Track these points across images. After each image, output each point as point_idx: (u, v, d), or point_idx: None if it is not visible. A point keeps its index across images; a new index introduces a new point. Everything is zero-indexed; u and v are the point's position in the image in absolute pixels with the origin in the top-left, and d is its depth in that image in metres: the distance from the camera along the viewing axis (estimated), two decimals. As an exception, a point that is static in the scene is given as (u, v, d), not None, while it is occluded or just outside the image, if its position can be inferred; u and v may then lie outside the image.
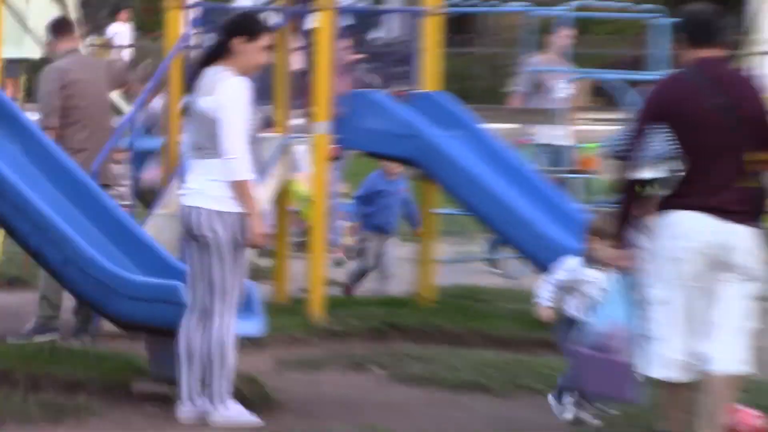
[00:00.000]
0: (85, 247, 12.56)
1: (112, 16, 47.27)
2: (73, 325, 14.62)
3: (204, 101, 11.63)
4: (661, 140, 10.36)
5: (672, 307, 10.39)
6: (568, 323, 11.77)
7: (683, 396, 10.55)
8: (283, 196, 16.35)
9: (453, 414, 12.39)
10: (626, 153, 10.60)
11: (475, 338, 15.19)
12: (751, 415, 11.40)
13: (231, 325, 11.74)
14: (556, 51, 21.65)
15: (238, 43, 11.77)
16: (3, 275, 15.55)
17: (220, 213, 11.55)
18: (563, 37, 21.64)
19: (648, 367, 10.53)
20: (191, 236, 11.70)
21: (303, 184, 17.24)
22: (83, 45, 18.61)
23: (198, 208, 11.59)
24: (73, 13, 18.81)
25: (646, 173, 10.36)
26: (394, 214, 16.46)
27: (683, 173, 10.37)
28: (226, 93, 11.61)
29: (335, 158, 18.87)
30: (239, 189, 11.56)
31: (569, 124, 20.99)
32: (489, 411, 12.55)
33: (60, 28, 15.97)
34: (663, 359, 10.45)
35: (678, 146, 10.27)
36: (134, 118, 16.39)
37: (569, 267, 11.92)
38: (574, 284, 11.75)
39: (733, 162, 10.34)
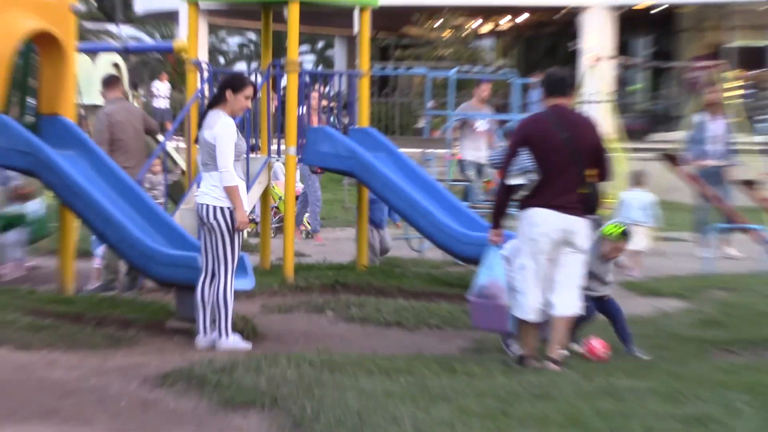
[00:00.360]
0: (133, 230, 12.90)
1: (155, 76, 47.13)
2: (126, 283, 14.87)
3: (207, 133, 11.95)
4: (525, 159, 10.90)
5: (530, 271, 10.96)
6: None
7: (535, 330, 11.08)
8: (266, 196, 16.38)
9: (379, 341, 12.59)
10: (502, 165, 11.12)
11: (394, 291, 15.21)
12: (599, 344, 11.74)
13: (230, 283, 11.96)
14: (478, 99, 21.48)
15: (228, 94, 12.03)
16: (79, 250, 15.05)
17: (220, 208, 11.86)
18: (484, 90, 21.50)
19: (516, 311, 11.04)
20: (203, 223, 11.99)
21: (279, 188, 17.35)
22: (130, 96, 18.51)
23: (206, 204, 11.91)
24: (125, 73, 18.55)
25: (516, 180, 10.95)
26: (384, 213, 16.61)
27: (539, 182, 10.88)
28: (219, 128, 11.86)
29: (319, 172, 19.53)
30: (230, 191, 11.83)
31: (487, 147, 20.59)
32: (403, 340, 12.80)
33: (109, 83, 15.93)
34: (526, 307, 10.98)
35: (536, 164, 10.86)
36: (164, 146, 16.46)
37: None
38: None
39: (573, 175, 10.91)
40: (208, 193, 12.00)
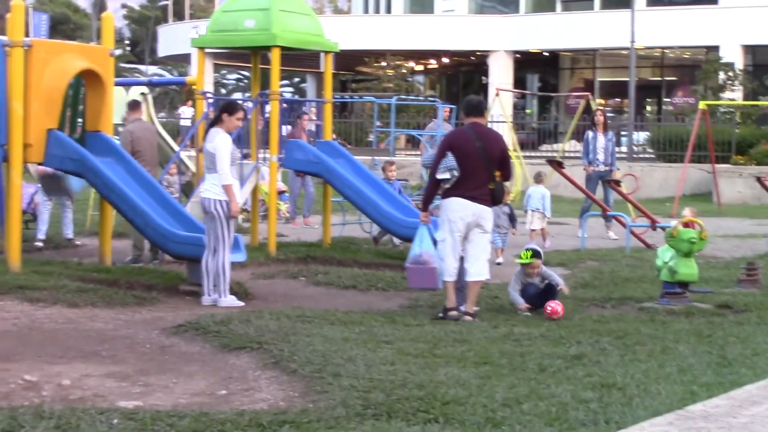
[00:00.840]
0: (154, 217, 12.75)
1: (174, 104, 47.06)
2: (149, 256, 14.77)
3: (209, 145, 11.91)
4: (450, 160, 10.90)
5: (448, 244, 11.00)
6: None
7: (454, 288, 11.03)
8: (255, 192, 16.16)
9: (339, 300, 12.41)
10: (432, 165, 11.20)
11: (351, 262, 15.01)
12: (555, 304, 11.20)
13: (227, 257, 11.85)
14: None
15: (224, 116, 12.01)
16: (114, 232, 14.93)
17: (219, 201, 11.76)
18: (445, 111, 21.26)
19: (441, 274, 11.13)
20: (206, 212, 11.90)
21: (265, 186, 17.27)
22: (154, 118, 18.33)
23: (209, 198, 11.82)
24: (150, 101, 18.37)
25: (443, 175, 10.92)
26: None
27: (458, 178, 10.89)
28: (218, 141, 11.83)
29: (302, 175, 19.36)
30: (226, 189, 11.76)
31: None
32: (357, 299, 12.62)
33: (131, 107, 15.84)
34: (446, 270, 11.04)
35: (458, 164, 10.88)
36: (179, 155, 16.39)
37: None
38: None
39: (484, 175, 10.96)
40: (210, 189, 11.92)
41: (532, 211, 18.16)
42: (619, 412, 7.07)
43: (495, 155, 11.15)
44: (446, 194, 11.11)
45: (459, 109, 11.48)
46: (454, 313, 10.96)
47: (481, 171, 11.01)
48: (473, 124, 11.27)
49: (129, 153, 14.52)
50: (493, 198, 11.16)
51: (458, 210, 11.03)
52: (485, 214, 11.10)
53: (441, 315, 11.02)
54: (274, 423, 6.70)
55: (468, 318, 10.87)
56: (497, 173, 11.14)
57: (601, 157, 19.75)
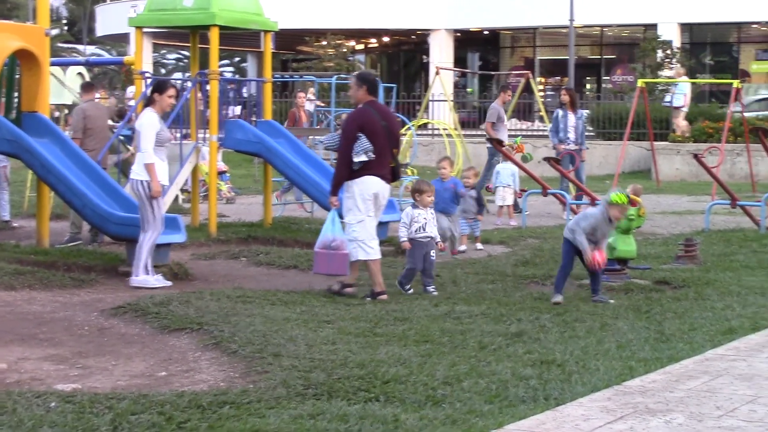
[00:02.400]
0: (93, 197, 12.72)
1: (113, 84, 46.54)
2: (88, 238, 14.65)
3: (136, 124, 11.96)
4: (365, 142, 10.90)
5: (370, 222, 11.06)
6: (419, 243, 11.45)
7: (378, 265, 11.16)
8: (195, 172, 16.18)
9: (280, 280, 12.41)
10: (340, 147, 11.16)
11: (292, 242, 15.04)
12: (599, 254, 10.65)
13: (149, 237, 11.75)
14: (502, 100, 21.12)
15: (155, 95, 11.98)
16: (53, 213, 14.91)
17: (140, 181, 11.69)
18: (507, 95, 21.25)
19: (363, 256, 11.05)
20: (133, 193, 11.99)
21: (205, 166, 17.20)
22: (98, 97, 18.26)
23: (133, 179, 11.82)
24: (88, 79, 18.31)
25: (361, 158, 10.90)
26: (448, 202, 13.94)
27: (373, 158, 10.95)
28: (142, 119, 11.87)
29: (256, 156, 19.19)
30: (147, 168, 11.68)
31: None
32: (298, 278, 12.55)
33: (86, 87, 15.92)
34: (374, 250, 11.08)
35: (370, 145, 10.92)
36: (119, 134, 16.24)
37: (409, 212, 11.56)
38: (414, 219, 11.44)
39: (388, 153, 11.12)
40: (136, 169, 11.88)
41: (503, 187, 18.59)
42: (559, 389, 7.13)
43: (395, 133, 11.48)
44: (358, 174, 11.06)
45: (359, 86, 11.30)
46: (385, 296, 10.98)
47: (386, 149, 11.17)
48: (372, 102, 11.32)
49: (81, 130, 14.88)
50: (394, 175, 11.39)
51: (374, 188, 11.10)
52: (388, 190, 11.42)
53: (370, 297, 11.01)
54: (214, 404, 6.68)
55: (382, 297, 10.97)
56: (395, 150, 11.36)
57: (571, 135, 19.73)
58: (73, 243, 14.37)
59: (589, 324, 9.42)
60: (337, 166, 11.30)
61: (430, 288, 11.38)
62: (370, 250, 11.10)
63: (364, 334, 8.87)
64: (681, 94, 30.70)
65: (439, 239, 11.80)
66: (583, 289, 11.43)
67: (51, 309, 10.37)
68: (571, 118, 19.76)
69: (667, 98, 31.70)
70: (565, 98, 20.10)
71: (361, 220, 11.05)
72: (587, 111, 37.16)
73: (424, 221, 11.50)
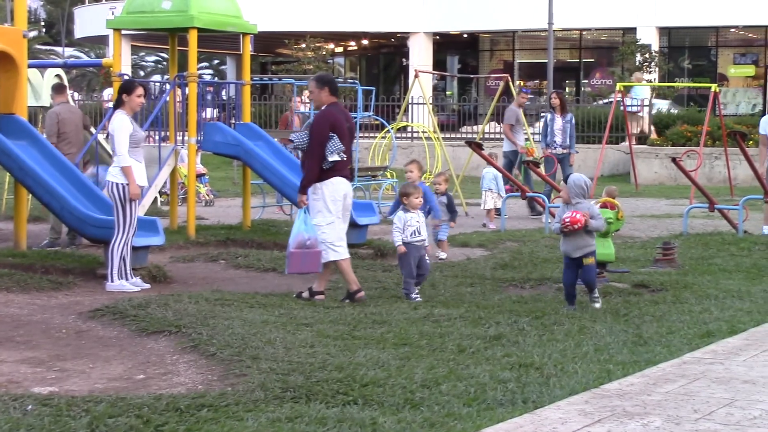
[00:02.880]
0: (71, 200, 12.67)
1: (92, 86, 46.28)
2: (66, 241, 14.62)
3: (109, 127, 11.92)
4: (337, 142, 10.88)
5: (339, 223, 11.04)
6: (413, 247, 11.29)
7: (348, 264, 11.13)
8: (174, 174, 16.13)
9: (259, 283, 12.39)
10: (309, 147, 11.00)
11: (270, 245, 14.94)
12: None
13: (121, 241, 11.69)
14: (517, 103, 21.11)
15: (124, 96, 11.91)
16: (31, 215, 14.91)
17: (115, 183, 11.64)
18: (522, 97, 21.03)
19: (335, 256, 11.00)
20: (109, 195, 11.87)
21: (184, 168, 17.18)
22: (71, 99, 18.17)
23: (108, 181, 11.76)
24: (66, 83, 18.23)
25: (335, 158, 10.86)
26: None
27: (345, 158, 10.97)
28: (114, 123, 11.80)
29: (235, 159, 19.06)
30: (124, 171, 11.62)
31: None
32: (277, 281, 12.53)
33: (57, 89, 15.87)
34: (345, 250, 11.08)
35: (342, 145, 10.92)
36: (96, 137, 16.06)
37: (401, 216, 11.38)
38: (407, 223, 11.28)
39: (349, 153, 11.21)
40: (111, 172, 11.84)
41: (486, 191, 18.87)
42: (537, 392, 7.13)
43: (353, 133, 11.74)
44: (326, 176, 11.00)
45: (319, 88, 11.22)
46: (362, 294, 10.99)
47: (349, 150, 11.26)
48: (336, 104, 11.32)
49: (55, 134, 14.79)
50: (351, 175, 11.70)
51: (343, 189, 11.09)
52: (352, 193, 11.54)
53: (347, 299, 10.99)
54: (192, 407, 6.67)
55: (361, 298, 10.97)
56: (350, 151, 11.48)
57: (558, 139, 19.58)
58: (51, 248, 14.31)
59: (567, 327, 9.42)
60: (310, 165, 11.08)
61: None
62: (340, 250, 11.06)
63: (342, 336, 8.86)
64: (638, 98, 31.02)
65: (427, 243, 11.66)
66: (561, 292, 11.43)
67: (28, 312, 10.33)
68: (558, 121, 19.62)
69: (627, 101, 32.10)
70: (555, 101, 19.93)
71: (330, 221, 11.00)
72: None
73: (417, 224, 11.36)
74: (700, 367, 7.75)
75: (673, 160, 18.23)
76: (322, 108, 11.22)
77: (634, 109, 31.03)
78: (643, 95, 31.35)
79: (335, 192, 11.00)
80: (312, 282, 11.35)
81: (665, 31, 44.70)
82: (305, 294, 11.10)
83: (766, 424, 6.30)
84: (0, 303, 10.74)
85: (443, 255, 14.30)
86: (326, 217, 11.00)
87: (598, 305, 10.51)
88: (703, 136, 24.88)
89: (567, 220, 10.29)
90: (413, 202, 11.46)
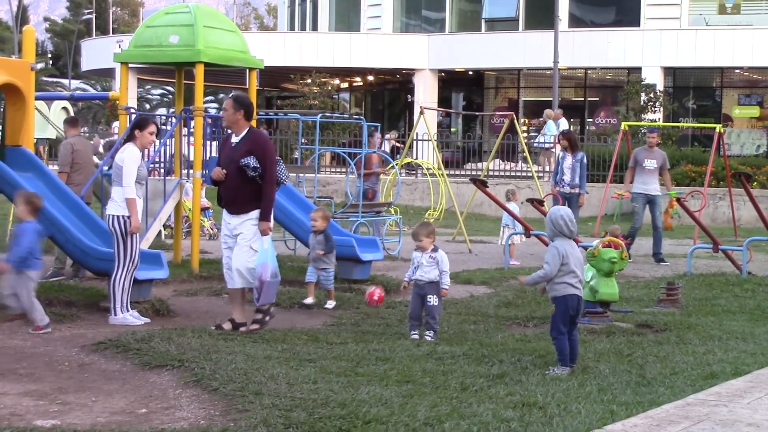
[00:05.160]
0: (76, 233, 12.67)
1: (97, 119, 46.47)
2: (70, 272, 14.59)
3: (117, 157, 11.84)
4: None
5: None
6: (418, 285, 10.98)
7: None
8: (179, 208, 16.09)
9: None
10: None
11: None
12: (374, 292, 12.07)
13: (122, 275, 11.63)
14: (648, 144, 19.95)
15: (136, 132, 11.93)
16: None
17: (118, 216, 11.59)
18: (652, 137, 20.00)
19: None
20: (110, 228, 11.74)
21: (189, 202, 17.22)
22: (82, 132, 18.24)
23: (110, 214, 11.68)
24: (72, 114, 18.31)
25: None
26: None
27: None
28: (125, 154, 11.73)
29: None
30: (129, 202, 11.56)
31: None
32: (280, 316, 12.20)
33: (71, 122, 15.96)
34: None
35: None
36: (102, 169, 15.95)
37: (414, 255, 11.06)
38: (415, 262, 10.99)
39: None
40: (112, 204, 11.77)
41: (503, 227, 19.09)
42: (540, 431, 7.10)
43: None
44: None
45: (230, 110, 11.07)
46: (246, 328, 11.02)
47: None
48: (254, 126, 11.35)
49: (68, 165, 14.97)
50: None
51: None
52: None
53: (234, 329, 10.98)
54: (194, 442, 6.66)
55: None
56: None
57: (567, 177, 19.34)
58: (55, 278, 14.31)
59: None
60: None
61: (427, 335, 10.86)
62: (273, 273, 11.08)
63: (345, 373, 8.84)
64: (551, 134, 31.89)
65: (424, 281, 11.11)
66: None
67: (32, 344, 10.32)
68: (569, 159, 19.48)
69: (540, 139, 32.73)
70: (564, 143, 19.88)
71: (269, 245, 11.01)
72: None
73: (417, 264, 11.02)
74: (704, 409, 7.72)
75: (678, 200, 18.25)
76: (252, 130, 11.20)
77: (547, 145, 31.56)
78: (555, 131, 31.93)
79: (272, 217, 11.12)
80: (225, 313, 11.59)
81: (670, 71, 44.81)
82: (226, 326, 11.02)
83: (770, 467, 6.28)
84: (3, 334, 10.74)
85: (308, 300, 13.29)
86: (265, 241, 10.99)
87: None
88: (708, 176, 24.91)
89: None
90: (423, 244, 11.10)
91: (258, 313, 11.14)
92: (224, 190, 11.20)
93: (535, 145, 33.70)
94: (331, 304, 13.25)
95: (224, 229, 11.34)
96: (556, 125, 32.77)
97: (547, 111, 35.89)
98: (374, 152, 20.57)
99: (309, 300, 13.24)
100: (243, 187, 10.96)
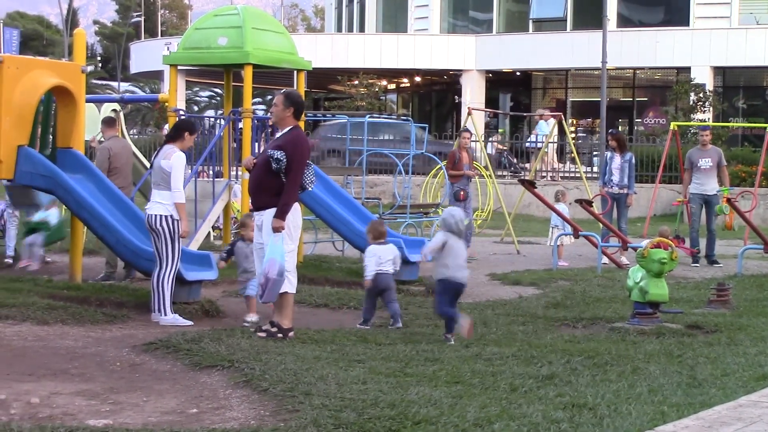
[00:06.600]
0: (126, 234, 12.75)
1: (146, 120, 46.76)
2: (122, 274, 14.67)
3: (163, 162, 11.75)
4: (311, 170, 10.81)
5: (294, 254, 10.77)
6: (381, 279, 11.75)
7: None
8: (227, 209, 16.22)
9: (311, 319, 12.32)
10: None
11: (322, 281, 14.99)
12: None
13: (167, 275, 11.69)
14: (701, 143, 19.65)
15: (186, 134, 11.97)
16: (85, 248, 14.88)
17: (165, 216, 11.65)
18: (706, 135, 19.78)
19: (290, 288, 10.63)
20: (151, 229, 11.77)
21: (237, 203, 17.33)
22: (127, 135, 18.33)
23: (155, 214, 11.69)
24: (122, 117, 18.39)
25: (310, 186, 10.83)
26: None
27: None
28: (175, 160, 11.73)
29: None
30: (179, 207, 11.67)
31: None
32: (329, 317, 12.61)
33: (108, 122, 15.78)
34: (293, 282, 10.72)
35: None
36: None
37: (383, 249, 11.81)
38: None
39: None
40: (157, 205, 11.79)
41: (552, 227, 19.19)
42: (590, 432, 7.08)
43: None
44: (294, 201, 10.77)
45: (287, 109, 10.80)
46: (293, 334, 10.70)
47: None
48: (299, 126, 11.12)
49: (106, 170, 14.70)
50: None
51: (298, 214, 10.90)
52: None
53: (281, 335, 10.61)
54: (244, 442, 6.69)
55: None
56: None
57: (615, 177, 19.15)
58: (107, 281, 14.33)
59: (620, 368, 9.36)
60: (293, 189, 10.61)
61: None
62: (294, 281, 10.81)
63: (394, 374, 8.85)
64: (543, 134, 31.69)
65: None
66: (614, 332, 11.39)
67: (83, 344, 10.39)
68: (617, 160, 19.27)
69: (532, 138, 32.63)
70: (613, 143, 19.70)
71: (291, 249, 10.68)
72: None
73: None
74: (756, 410, 7.66)
75: (728, 200, 18.14)
76: (294, 129, 10.86)
77: (539, 145, 31.68)
78: (547, 131, 31.69)
79: (298, 218, 10.80)
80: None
81: (720, 71, 44.49)
82: (278, 333, 10.63)
83: (824, 469, 6.22)
84: (55, 335, 10.82)
85: (251, 318, 11.98)
86: (288, 245, 10.62)
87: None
88: (758, 176, 24.70)
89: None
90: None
91: (273, 326, 10.75)
92: (250, 179, 11.11)
93: (527, 145, 33.57)
94: (252, 317, 12.01)
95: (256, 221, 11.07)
96: (547, 125, 32.65)
97: (540, 111, 36.02)
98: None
99: (251, 317, 12.00)
100: (265, 180, 10.67)
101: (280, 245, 10.52)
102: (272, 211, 10.59)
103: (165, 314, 11.79)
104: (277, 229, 10.53)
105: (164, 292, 11.76)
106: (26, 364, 9.24)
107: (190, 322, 11.79)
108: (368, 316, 11.90)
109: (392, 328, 11.53)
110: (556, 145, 33.12)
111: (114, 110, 18.69)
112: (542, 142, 31.57)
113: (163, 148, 11.99)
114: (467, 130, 20.44)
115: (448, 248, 10.85)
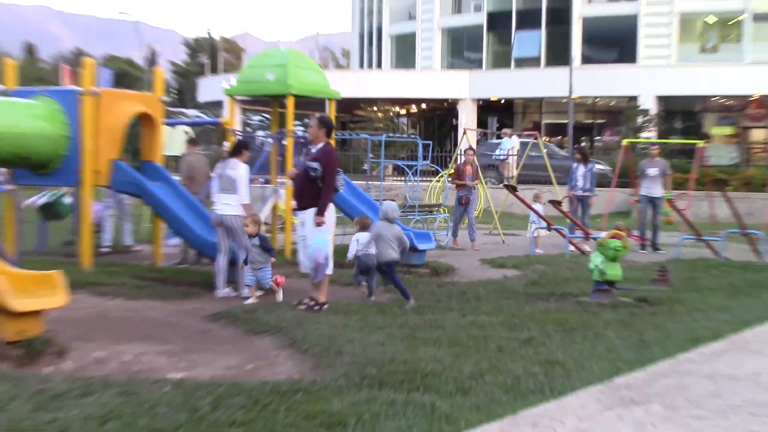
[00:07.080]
0: (196, 229, 12.75)
1: (211, 140, 46.64)
2: (193, 259, 14.55)
3: (231, 172, 11.78)
4: (341, 177, 10.83)
5: (331, 242, 10.81)
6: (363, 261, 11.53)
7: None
8: (274, 208, 16.18)
9: (341, 294, 12.00)
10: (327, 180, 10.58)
11: (348, 265, 13.42)
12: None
13: (242, 258, 11.66)
14: (651, 156, 19.33)
15: (245, 151, 12.02)
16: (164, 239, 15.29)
17: (236, 216, 11.70)
18: (654, 150, 19.45)
19: (329, 270, 10.79)
20: (223, 225, 11.79)
21: (283, 204, 17.29)
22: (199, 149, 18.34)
23: (228, 214, 11.74)
24: (193, 136, 18.45)
25: (340, 189, 10.79)
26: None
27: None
28: (242, 171, 11.78)
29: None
30: (245, 207, 11.73)
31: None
32: (355, 294, 12.17)
33: (191, 142, 16.18)
34: (330, 266, 10.83)
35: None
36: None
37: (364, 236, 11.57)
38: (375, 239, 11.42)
39: None
40: (227, 207, 11.78)
41: (530, 222, 18.85)
42: (561, 383, 7.08)
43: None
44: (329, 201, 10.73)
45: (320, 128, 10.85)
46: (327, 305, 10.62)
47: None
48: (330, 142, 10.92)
49: (187, 178, 15.07)
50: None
51: (332, 212, 10.87)
52: None
53: (318, 308, 10.55)
54: (290, 391, 6.68)
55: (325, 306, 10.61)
56: None
57: (580, 183, 19.17)
58: (181, 266, 14.36)
59: (584, 333, 9.33)
60: (329, 192, 10.58)
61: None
62: (330, 265, 10.83)
63: (407, 338, 8.83)
64: (505, 149, 31.83)
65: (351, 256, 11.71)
66: (579, 305, 11.37)
67: (164, 315, 10.40)
68: (581, 169, 19.39)
69: (497, 151, 32.65)
70: (578, 155, 19.76)
71: (328, 240, 10.69)
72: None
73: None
74: (691, 365, 7.67)
75: (669, 200, 18.08)
76: (326, 145, 10.78)
77: (502, 157, 31.69)
78: (510, 146, 31.63)
79: (333, 215, 10.87)
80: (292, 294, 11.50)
81: (662, 99, 44.39)
82: (315, 306, 10.58)
83: (746, 410, 6.24)
84: (144, 308, 10.83)
85: (251, 300, 11.43)
86: (326, 234, 10.67)
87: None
88: (692, 182, 24.58)
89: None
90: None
91: (312, 300, 10.74)
92: (295, 185, 11.05)
93: (493, 158, 33.40)
94: (280, 296, 11.67)
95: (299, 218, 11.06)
96: (510, 141, 32.70)
97: (504, 130, 35.93)
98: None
99: (251, 300, 11.42)
100: (307, 186, 10.68)
101: (324, 236, 10.54)
102: (312, 210, 10.60)
103: (241, 290, 11.75)
104: (319, 224, 10.54)
105: (243, 273, 11.64)
106: (120, 330, 9.28)
107: (235, 293, 11.74)
108: (368, 288, 11.74)
109: (408, 308, 11.08)
110: (516, 156, 32.96)
111: (186, 132, 18.69)
112: (505, 156, 31.81)
113: (229, 161, 11.94)
114: (471, 148, 20.40)
115: (376, 237, 11.26)
